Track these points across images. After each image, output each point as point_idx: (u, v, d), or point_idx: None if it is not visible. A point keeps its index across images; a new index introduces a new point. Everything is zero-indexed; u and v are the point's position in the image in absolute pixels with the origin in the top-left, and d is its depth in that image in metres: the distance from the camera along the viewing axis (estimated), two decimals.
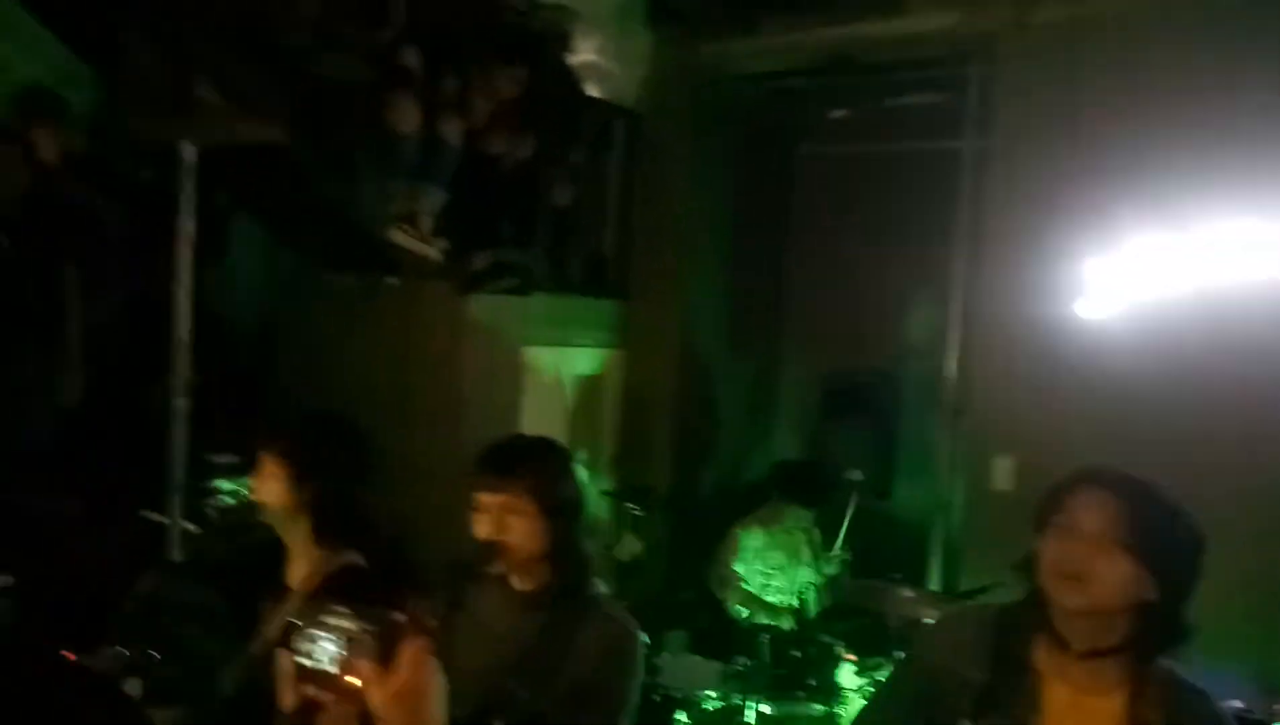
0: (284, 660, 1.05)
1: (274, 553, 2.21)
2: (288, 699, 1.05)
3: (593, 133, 4.94)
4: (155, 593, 2.03)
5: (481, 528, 1.87)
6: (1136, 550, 1.48)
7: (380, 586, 2.12)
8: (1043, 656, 1.57)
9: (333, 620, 1.03)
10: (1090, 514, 1.51)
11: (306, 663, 1.03)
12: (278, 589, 2.16)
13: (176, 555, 2.21)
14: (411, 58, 4.02)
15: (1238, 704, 2.76)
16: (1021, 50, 4.43)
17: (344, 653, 1.01)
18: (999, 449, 4.33)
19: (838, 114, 5.41)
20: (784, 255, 5.63)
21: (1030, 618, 1.58)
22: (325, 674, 1.02)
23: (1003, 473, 4.30)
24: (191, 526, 3.25)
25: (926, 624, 1.72)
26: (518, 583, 1.93)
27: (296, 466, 2.08)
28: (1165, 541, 1.50)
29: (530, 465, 1.93)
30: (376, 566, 2.18)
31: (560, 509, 1.92)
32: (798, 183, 5.63)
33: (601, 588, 2.05)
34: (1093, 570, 1.48)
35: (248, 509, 3.23)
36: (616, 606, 2.06)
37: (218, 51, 3.62)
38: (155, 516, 3.20)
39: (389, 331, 4.10)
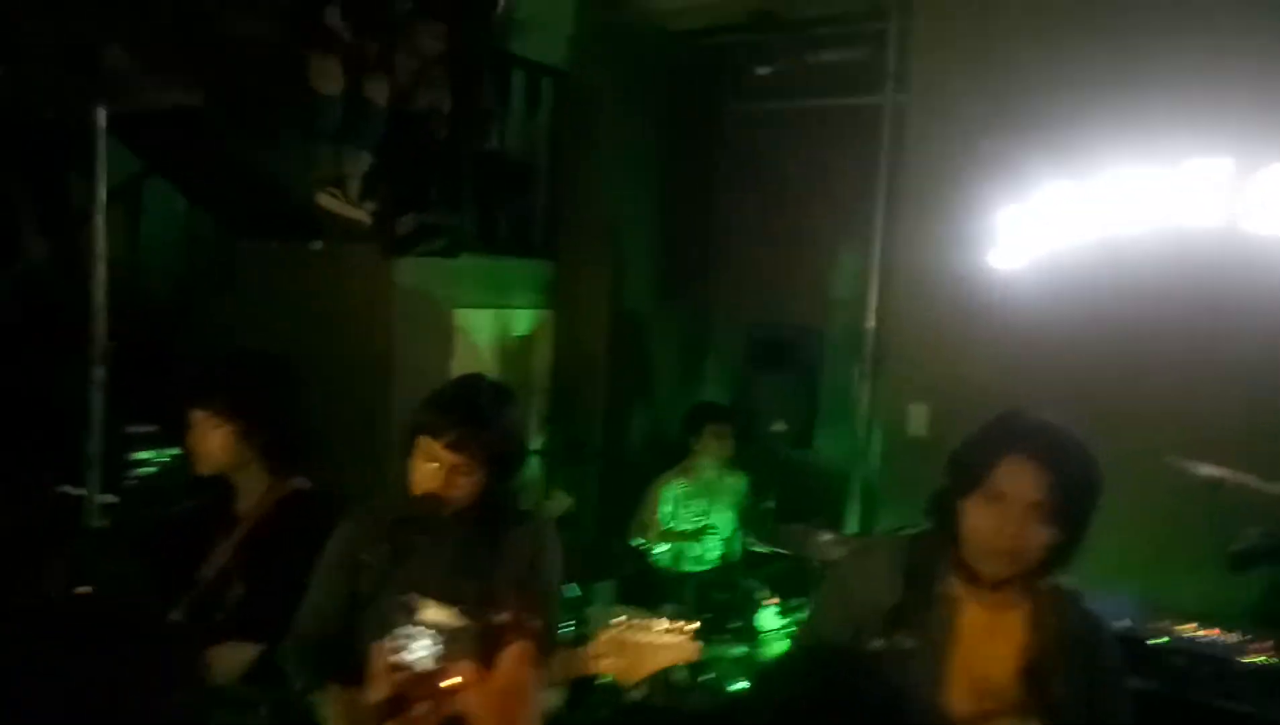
0: (379, 653, 1.04)
1: (211, 503, 2.25)
2: (380, 690, 1.04)
3: (519, 91, 4.92)
4: (74, 563, 2.05)
5: (428, 480, 1.90)
6: (1062, 518, 1.57)
7: (328, 508, 2.18)
8: (955, 584, 1.68)
9: (432, 617, 1.01)
10: (1020, 486, 1.56)
11: (404, 658, 1.01)
12: (225, 520, 2.21)
13: (95, 526, 2.23)
14: (334, 16, 3.95)
15: (1126, 623, 2.95)
16: (937, 5, 4.52)
17: (443, 651, 0.99)
18: (915, 397, 4.50)
19: (762, 71, 5.46)
20: (711, 211, 5.70)
21: (943, 554, 1.68)
22: (422, 672, 1.00)
23: (918, 420, 4.47)
24: (111, 498, 3.24)
25: (843, 555, 1.84)
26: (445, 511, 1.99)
27: (239, 414, 2.13)
28: (1082, 500, 1.59)
29: (487, 425, 1.94)
30: (320, 489, 2.25)
31: (503, 457, 1.98)
32: (724, 139, 5.68)
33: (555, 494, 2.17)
34: (1024, 545, 1.57)
35: (169, 476, 3.26)
36: (521, 503, 2.17)
37: (125, 12, 3.52)
38: (73, 490, 3.18)
39: (314, 297, 4.08)
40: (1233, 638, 2.86)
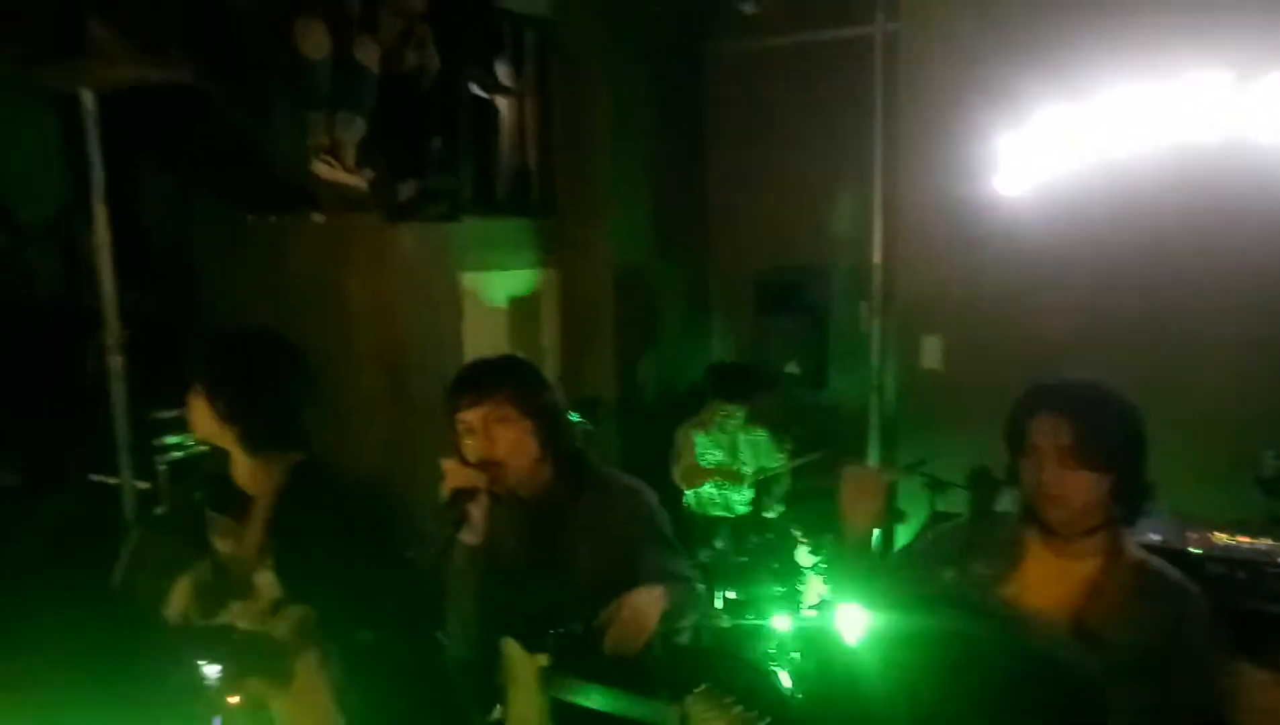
0: None
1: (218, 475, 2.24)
2: None
3: (505, 45, 4.81)
4: (135, 553, 2.04)
5: (472, 450, 1.91)
6: (1096, 462, 1.67)
7: (330, 478, 2.18)
8: (1031, 537, 1.78)
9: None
10: (1048, 439, 1.69)
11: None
12: (233, 499, 2.19)
13: (149, 512, 2.21)
14: None
15: (1155, 537, 3.02)
16: None
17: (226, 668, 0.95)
18: (927, 330, 4.53)
19: (748, 7, 5.37)
20: (707, 156, 5.64)
21: (1021, 515, 1.79)
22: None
23: (931, 352, 4.50)
24: (144, 485, 3.22)
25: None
26: (524, 491, 1.99)
27: (209, 383, 2.11)
28: (1117, 442, 1.70)
29: (503, 375, 1.98)
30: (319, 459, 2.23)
31: (543, 410, 1.98)
32: (713, 81, 5.61)
33: (597, 463, 2.16)
34: (1063, 491, 1.69)
35: (199, 459, 3.23)
36: (614, 474, 2.15)
37: None
38: (105, 479, 3.15)
39: (318, 269, 4.02)
40: (1263, 543, 2.93)
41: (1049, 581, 1.74)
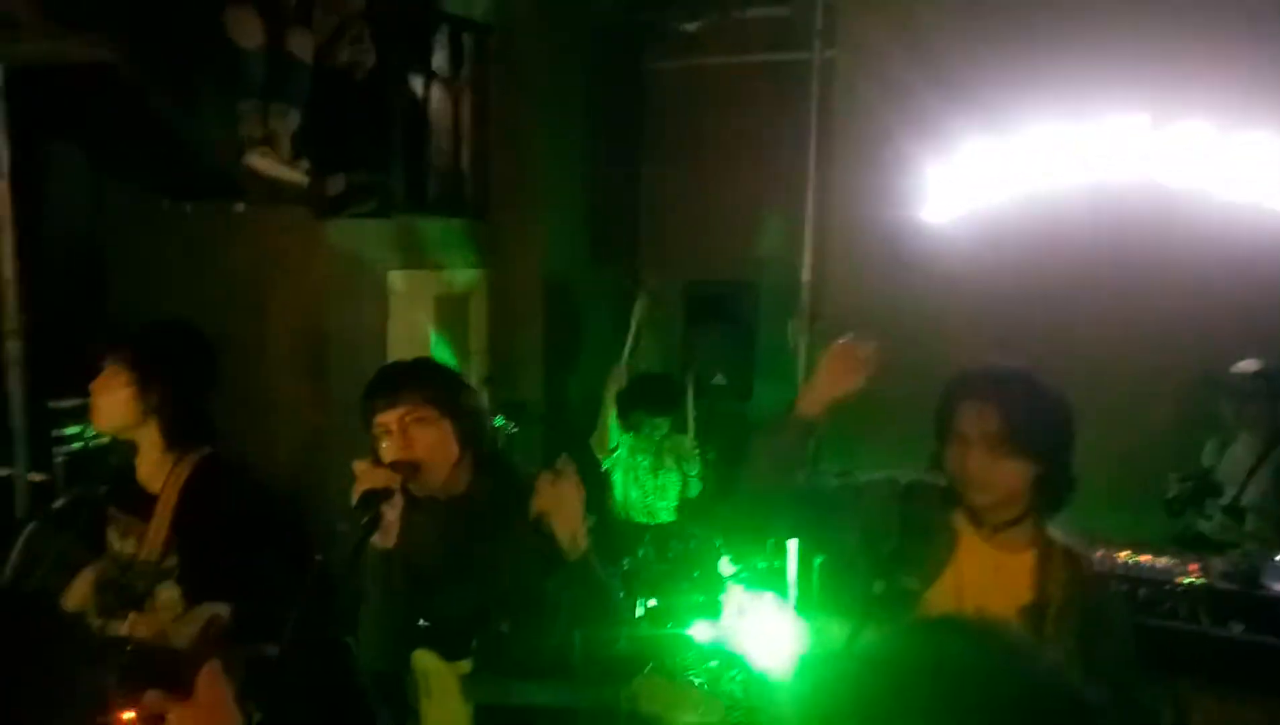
0: None
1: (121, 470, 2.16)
2: None
3: (442, 46, 4.76)
4: (27, 548, 1.93)
5: (389, 451, 1.86)
6: (1022, 447, 1.67)
7: (238, 474, 2.16)
8: (961, 523, 1.77)
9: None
10: (975, 424, 1.68)
11: None
12: (135, 497, 2.13)
13: (46, 506, 2.11)
14: None
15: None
16: None
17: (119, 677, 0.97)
18: None
19: (689, 26, 5.42)
20: (640, 168, 5.66)
21: (946, 500, 1.78)
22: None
23: None
24: (40, 477, 3.07)
25: (852, 483, 1.90)
26: (443, 494, 1.95)
27: (143, 372, 2.07)
28: (1044, 428, 1.70)
29: (420, 376, 1.96)
30: (227, 454, 2.19)
31: (461, 410, 1.95)
32: (651, 95, 5.64)
33: (512, 459, 2.13)
34: (989, 477, 1.68)
35: (100, 452, 3.09)
36: (531, 472, 2.12)
37: None
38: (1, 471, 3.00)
39: (239, 261, 3.89)
40: (1164, 561, 3.05)
41: (987, 576, 1.73)
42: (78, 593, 2.02)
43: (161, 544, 2.08)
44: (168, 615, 1.96)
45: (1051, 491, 1.72)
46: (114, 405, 2.07)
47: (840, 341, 1.83)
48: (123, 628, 1.95)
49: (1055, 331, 4.20)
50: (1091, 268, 4.13)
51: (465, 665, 1.91)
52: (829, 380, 1.80)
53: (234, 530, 2.05)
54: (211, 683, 0.99)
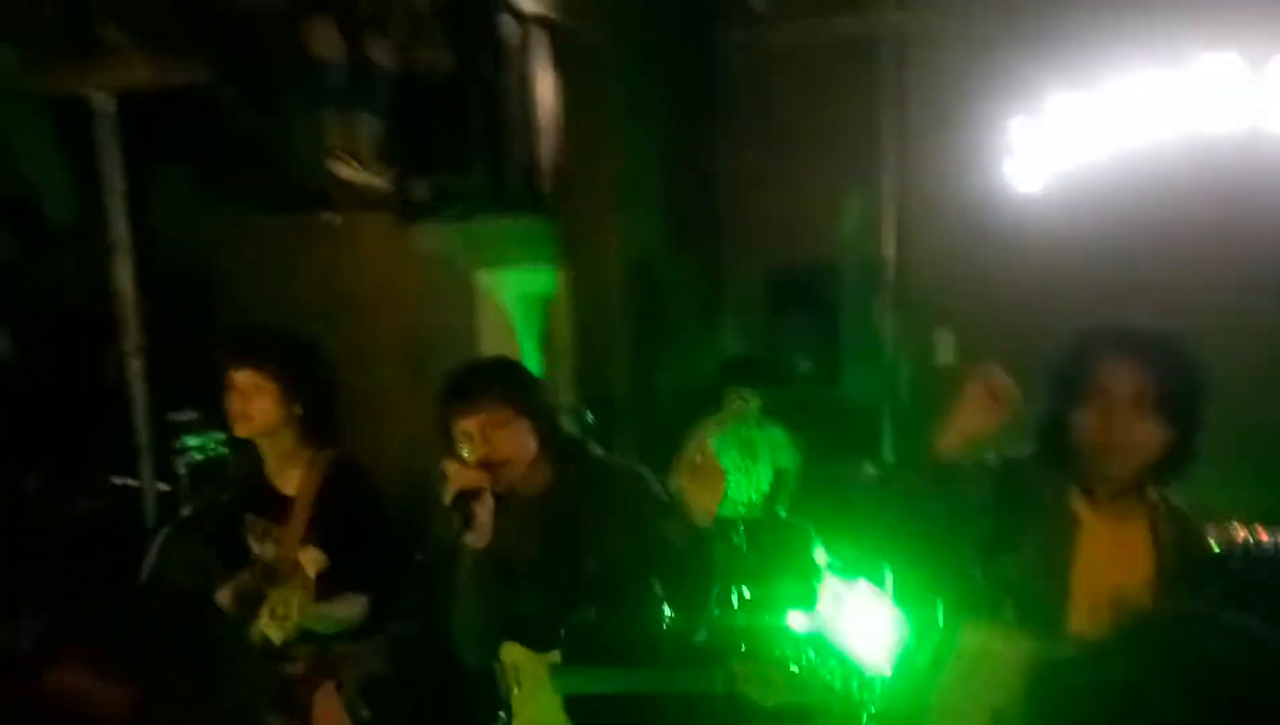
0: None
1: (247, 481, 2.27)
2: None
3: (515, 43, 4.80)
4: (160, 554, 2.06)
5: (472, 453, 1.90)
6: (1167, 411, 1.58)
7: (367, 474, 2.27)
8: (1077, 501, 1.69)
9: None
10: (1123, 383, 1.58)
11: None
12: (270, 501, 2.23)
13: (175, 514, 2.24)
14: None
15: None
16: None
17: None
18: (940, 324, 4.51)
19: (758, 4, 5.34)
20: (717, 151, 5.62)
21: (1061, 470, 1.69)
22: None
23: (945, 347, 4.48)
24: (164, 487, 3.25)
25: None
26: (526, 490, 1.99)
27: (287, 379, 2.18)
28: (1188, 395, 1.61)
29: (494, 378, 1.98)
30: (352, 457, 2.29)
31: (537, 408, 1.98)
32: (724, 75, 5.58)
33: (593, 448, 2.17)
34: (1132, 441, 1.59)
35: (219, 461, 3.26)
36: (612, 460, 2.17)
37: None
38: (127, 482, 3.18)
39: (333, 270, 4.04)
40: None
41: (1106, 551, 1.66)
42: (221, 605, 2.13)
43: (299, 542, 2.19)
44: (313, 569, 2.06)
45: (1178, 461, 1.63)
46: (262, 411, 2.19)
47: (978, 374, 1.60)
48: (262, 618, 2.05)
49: (1163, 300, 4.01)
50: (1190, 226, 3.93)
51: (554, 656, 1.95)
52: (969, 417, 1.58)
53: (368, 528, 2.18)
54: (327, 705, 1.04)
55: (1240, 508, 3.23)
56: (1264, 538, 2.90)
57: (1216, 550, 2.87)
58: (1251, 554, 2.85)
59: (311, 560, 2.08)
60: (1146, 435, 1.59)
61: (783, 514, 4.08)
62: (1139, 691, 0.74)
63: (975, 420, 1.58)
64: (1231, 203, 3.86)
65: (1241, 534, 2.92)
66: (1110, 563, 1.66)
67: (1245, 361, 3.87)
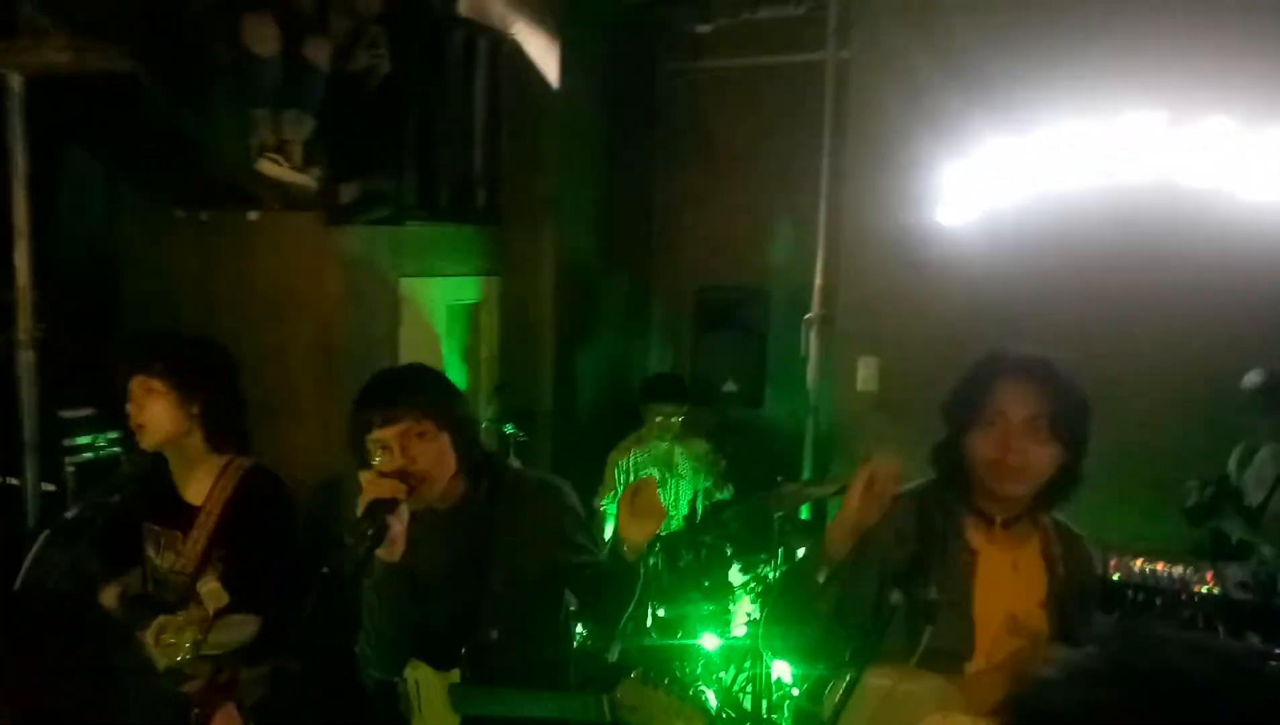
0: None
1: (147, 486, 2.18)
2: None
3: (456, 52, 4.76)
4: (39, 557, 1.95)
5: (388, 463, 1.84)
6: (1060, 433, 1.62)
7: (281, 483, 2.21)
8: (972, 531, 1.71)
9: None
10: (1018, 406, 1.61)
11: None
12: (172, 508, 2.14)
13: (58, 516, 2.13)
14: None
15: None
16: None
17: None
18: (864, 352, 4.57)
19: (703, 28, 5.41)
20: (654, 172, 5.65)
21: (957, 503, 1.72)
22: None
23: (868, 374, 4.55)
24: (50, 487, 3.09)
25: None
26: (440, 505, 1.94)
27: (179, 380, 2.10)
28: (1077, 415, 1.65)
29: (417, 388, 1.92)
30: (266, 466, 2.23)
31: (458, 421, 1.93)
32: (665, 99, 5.63)
33: (511, 463, 2.13)
34: (1028, 461, 1.62)
35: (113, 462, 3.12)
36: (529, 474, 2.15)
37: None
38: (8, 480, 3.02)
39: (252, 268, 3.91)
40: (1180, 570, 3.00)
41: (1007, 575, 1.68)
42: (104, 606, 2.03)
43: (199, 555, 2.10)
44: (212, 606, 1.99)
45: (1067, 484, 1.67)
46: (159, 417, 2.11)
47: (867, 467, 1.62)
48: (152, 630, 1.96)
49: (1072, 334, 4.13)
50: (1109, 269, 4.08)
51: (455, 675, 1.90)
52: (862, 511, 1.61)
53: (276, 544, 2.11)
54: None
55: (1138, 539, 3.34)
56: (1160, 568, 3.00)
57: (1116, 579, 2.97)
58: (1148, 585, 2.94)
59: (211, 595, 1.99)
60: (1042, 456, 1.63)
61: (702, 534, 4.08)
62: (1130, 713, 0.75)
63: (867, 512, 1.61)
64: (1144, 246, 4.01)
65: (1139, 564, 3.00)
66: (1009, 589, 1.69)
67: (1146, 393, 4.02)
